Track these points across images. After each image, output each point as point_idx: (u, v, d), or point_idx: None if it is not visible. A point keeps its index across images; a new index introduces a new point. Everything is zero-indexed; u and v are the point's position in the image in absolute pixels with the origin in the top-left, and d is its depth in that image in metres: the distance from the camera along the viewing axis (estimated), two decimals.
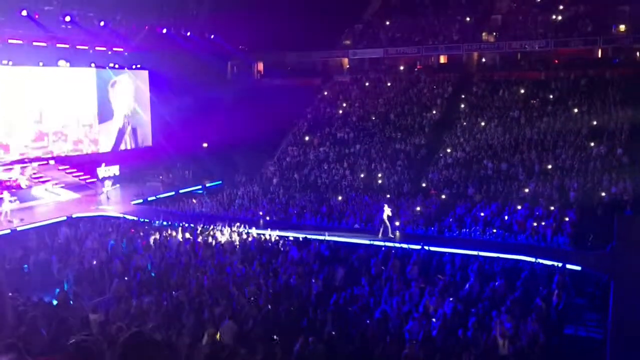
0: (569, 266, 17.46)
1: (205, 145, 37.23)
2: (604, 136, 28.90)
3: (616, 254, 18.65)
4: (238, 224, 22.67)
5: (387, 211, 21.44)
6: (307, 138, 35.86)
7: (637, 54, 35.67)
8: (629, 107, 30.22)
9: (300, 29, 38.56)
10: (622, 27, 35.73)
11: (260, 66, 45.21)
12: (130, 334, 2.85)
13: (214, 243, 20.56)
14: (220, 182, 32.54)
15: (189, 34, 37.20)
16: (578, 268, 17.59)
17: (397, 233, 21.45)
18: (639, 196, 24.28)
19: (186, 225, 22.99)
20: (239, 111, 36.92)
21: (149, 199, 29.12)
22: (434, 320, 13.54)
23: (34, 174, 29.21)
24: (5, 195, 23.73)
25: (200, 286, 15.86)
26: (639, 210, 23.15)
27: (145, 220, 24.32)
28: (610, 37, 35.69)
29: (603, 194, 24.86)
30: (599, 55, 36.80)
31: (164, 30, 35.44)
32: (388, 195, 27.53)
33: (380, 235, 21.07)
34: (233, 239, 21.09)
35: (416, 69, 40.58)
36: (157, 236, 21.38)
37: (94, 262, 18.85)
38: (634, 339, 12.54)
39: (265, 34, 38.36)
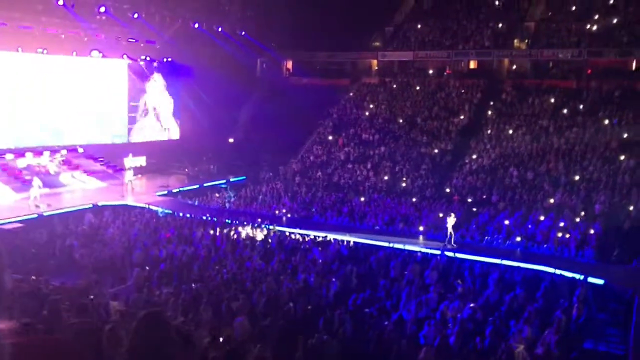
0: (592, 280, 17.20)
1: (231, 140, 37.55)
2: (634, 149, 28.34)
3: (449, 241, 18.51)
4: (260, 220, 22.81)
5: (452, 220, 20.99)
6: (331, 138, 35.89)
7: None
8: None
9: (330, 29, 38.61)
10: None
11: (290, 64, 45.36)
12: (149, 311, 2.89)
13: (235, 237, 20.73)
14: (244, 177, 32.77)
15: (220, 29, 37.53)
16: (601, 282, 17.31)
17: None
18: None
19: (209, 218, 23.22)
20: (266, 108, 37.18)
21: (174, 190, 29.45)
22: (450, 326, 13.45)
23: (63, 160, 29.79)
24: (35, 180, 24.22)
25: (219, 280, 16.02)
26: None
27: (169, 211, 24.62)
28: None
29: (631, 207, 24.39)
30: (633, 68, 36.06)
31: (196, 25, 35.82)
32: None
33: (446, 243, 20.72)
34: (254, 235, 21.24)
35: (445, 73, 40.25)
36: (180, 228, 21.64)
37: (116, 251, 19.17)
38: None
39: (295, 32, 38.52)
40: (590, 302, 15.65)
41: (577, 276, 17.19)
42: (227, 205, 27.57)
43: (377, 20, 43.07)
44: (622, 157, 27.77)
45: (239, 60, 39.26)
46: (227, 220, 22.78)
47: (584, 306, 15.03)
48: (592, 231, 21.98)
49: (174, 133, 37.26)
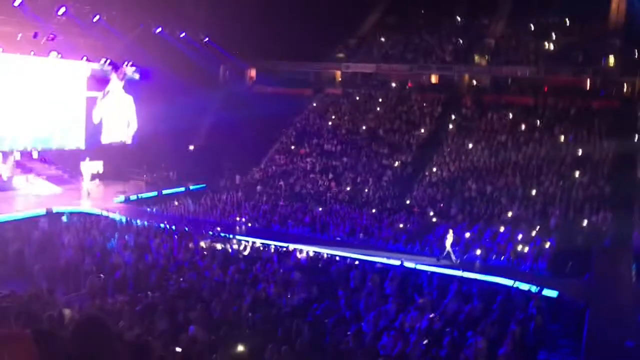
0: (546, 292, 17.57)
1: (191, 147, 37.09)
2: (587, 166, 29.22)
3: (593, 283, 18.81)
4: (219, 228, 22.55)
5: (451, 237, 21.03)
6: (294, 147, 35.85)
7: (624, 87, 36.17)
8: (614, 139, 30.63)
9: (295, 39, 38.68)
10: (612, 60, 36.25)
11: (253, 72, 45.22)
12: (87, 316, 2.79)
13: (193, 247, 20.40)
14: (204, 185, 32.37)
15: (183, 34, 37.15)
16: (555, 294, 17.69)
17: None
18: (618, 227, 24.54)
19: (167, 226, 22.83)
20: (229, 116, 36.86)
21: (131, 197, 28.87)
22: (409, 337, 13.50)
23: (16, 164, 28.87)
24: None
25: (176, 289, 15.72)
26: (617, 240, 23.39)
27: (126, 218, 24.10)
28: (600, 69, 36.18)
29: (584, 223, 25.09)
30: (588, 86, 37.29)
31: (158, 29, 35.36)
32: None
33: (441, 258, 20.80)
34: (214, 244, 20.96)
35: (407, 87, 40.81)
36: (137, 236, 21.19)
37: (71, 258, 18.61)
38: None
39: (260, 40, 38.42)
40: (544, 314, 15.98)
41: (533, 288, 17.53)
42: (186, 213, 27.16)
43: (342, 31, 43.42)
44: (577, 173, 28.56)
45: (202, 67, 38.89)
46: (186, 230, 22.43)
47: (539, 318, 15.33)
48: (547, 245, 22.49)
49: (130, 137, 36.33)
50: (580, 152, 30.24)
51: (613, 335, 14.53)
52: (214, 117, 38.84)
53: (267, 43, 38.81)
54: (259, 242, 21.93)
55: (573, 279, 19.40)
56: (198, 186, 32.12)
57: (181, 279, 16.70)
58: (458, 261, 20.47)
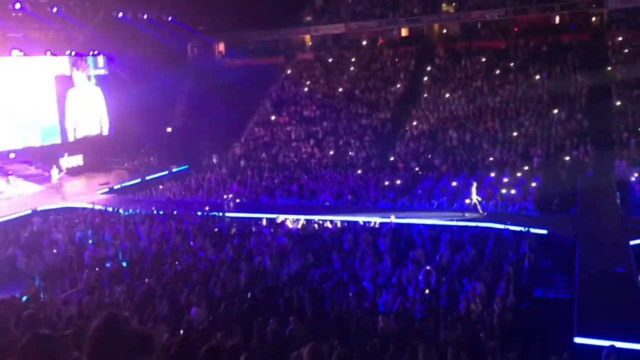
0: (535, 230, 17.90)
1: (169, 129, 36.71)
2: (564, 101, 29.43)
3: (580, 216, 19.16)
4: (207, 207, 22.54)
5: (475, 189, 20.42)
6: (273, 118, 35.63)
7: (593, 19, 36.20)
8: (587, 72, 30.82)
9: (259, 7, 38.04)
10: None
11: (222, 47, 44.53)
12: (106, 316, 2.80)
13: (184, 228, 20.41)
14: (187, 166, 32.18)
15: (145, 16, 36.37)
16: (544, 232, 18.03)
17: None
18: (599, 158, 24.94)
19: (155, 212, 22.77)
20: (202, 93, 36.48)
21: (115, 187, 28.66)
22: (407, 291, 13.73)
23: None
24: None
25: (173, 273, 15.79)
26: (599, 171, 23.79)
27: (113, 209, 23.99)
28: (567, 3, 36.08)
29: (566, 158, 25.41)
30: (557, 22, 37.26)
31: (120, 14, 34.59)
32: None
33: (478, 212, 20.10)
34: (206, 223, 20.98)
35: (378, 44, 40.49)
36: (126, 224, 21.14)
37: (63, 255, 18.55)
38: (599, 297, 12.98)
39: (224, 13, 37.74)
40: (536, 252, 16.31)
41: (522, 229, 17.85)
42: (172, 196, 27.06)
43: None
44: (555, 111, 28.76)
45: (169, 47, 38.24)
46: (174, 212, 22.39)
47: (531, 256, 15.65)
48: (532, 184, 22.79)
49: (106, 128, 35.89)
50: (556, 89, 30.38)
51: (603, 264, 14.89)
52: (187, 97, 38.42)
53: (232, 15, 38.14)
54: (248, 216, 21.98)
55: (561, 215, 19.74)
56: (181, 168, 31.93)
57: (176, 263, 16.74)
58: (485, 213, 19.95)
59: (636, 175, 22.33)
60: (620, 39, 33.18)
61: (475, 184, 20.68)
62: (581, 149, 25.77)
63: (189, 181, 29.30)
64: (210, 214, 22.18)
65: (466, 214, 20.04)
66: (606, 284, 13.70)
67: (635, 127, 26.08)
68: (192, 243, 18.74)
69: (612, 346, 10.01)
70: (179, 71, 38.29)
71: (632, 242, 16.53)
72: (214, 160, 32.22)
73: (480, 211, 19.96)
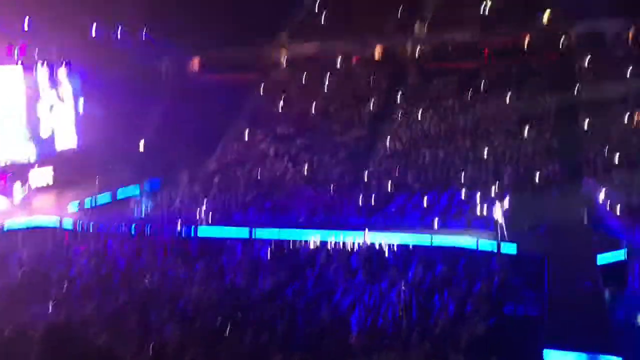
0: (506, 247, 18.14)
1: (142, 144, 36.33)
2: (533, 121, 30.02)
3: (549, 233, 19.49)
4: (179, 224, 22.34)
5: (499, 209, 20.17)
6: (247, 134, 35.54)
7: (561, 41, 37.14)
8: (556, 93, 31.54)
9: (236, 24, 38.15)
10: (546, 16, 37.13)
11: (196, 62, 44.39)
12: (52, 328, 2.77)
13: (156, 244, 20.16)
14: (159, 182, 31.84)
15: (119, 31, 36.19)
16: (514, 249, 18.27)
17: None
18: (567, 177, 25.47)
19: (126, 228, 22.47)
20: (177, 108, 36.26)
21: (86, 202, 28.19)
22: (379, 307, 13.77)
23: None
24: None
25: (143, 290, 15.57)
26: (566, 190, 24.26)
27: (83, 224, 23.59)
28: (536, 25, 37.04)
29: (536, 176, 25.85)
30: (526, 43, 38.12)
31: (94, 28, 34.37)
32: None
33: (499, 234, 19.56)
34: (179, 240, 20.77)
35: (352, 63, 40.88)
36: (96, 241, 20.80)
37: (33, 272, 18.15)
38: (567, 314, 13.17)
39: (200, 29, 37.74)
40: (507, 269, 16.53)
41: (493, 246, 18.07)
42: (143, 213, 26.75)
43: (283, 12, 43.05)
44: (524, 130, 29.27)
45: (143, 61, 38.00)
46: (145, 228, 22.11)
47: (502, 273, 15.86)
48: (503, 202, 23.10)
49: (76, 142, 35.19)
50: (525, 109, 30.97)
51: (572, 279, 15.14)
52: (161, 112, 38.14)
53: (207, 30, 38.15)
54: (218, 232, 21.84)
55: (531, 232, 20.00)
56: (153, 185, 31.57)
57: (146, 280, 16.53)
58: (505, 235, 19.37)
59: (603, 193, 22.81)
60: (587, 61, 34.09)
61: (498, 203, 20.34)
62: (550, 168, 26.27)
63: (161, 197, 28.99)
64: (182, 231, 21.95)
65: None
66: (575, 298, 13.92)
67: (602, 146, 26.71)
68: (163, 260, 18.51)
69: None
70: (153, 86, 38.06)
71: (599, 257, 16.87)
72: (185, 177, 31.82)
73: (503, 232, 19.39)
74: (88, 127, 34.51)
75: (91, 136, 34.26)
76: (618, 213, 20.72)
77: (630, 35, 34.85)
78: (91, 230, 22.78)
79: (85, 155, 33.92)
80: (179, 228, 22.30)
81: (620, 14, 34.67)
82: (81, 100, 34.89)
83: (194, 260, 18.42)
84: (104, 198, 29.23)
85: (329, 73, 39.41)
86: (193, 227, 22.80)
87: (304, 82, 39.44)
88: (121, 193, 30.14)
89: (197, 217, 24.13)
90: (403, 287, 14.71)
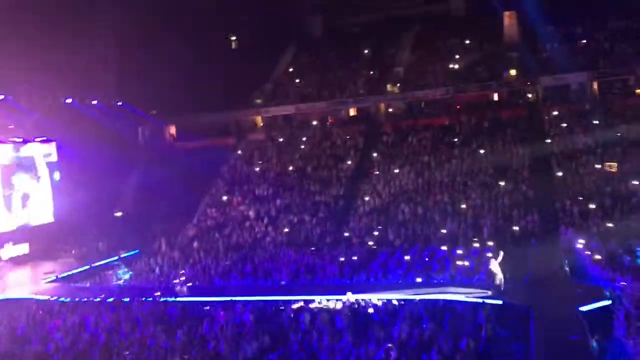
0: (490, 301, 18.06)
1: (119, 214, 35.99)
2: (508, 173, 30.58)
3: (532, 284, 19.49)
4: (158, 292, 21.87)
5: (496, 262, 19.90)
6: (225, 198, 35.50)
7: (529, 95, 38.45)
8: (527, 145, 32.36)
9: (210, 91, 38.82)
10: (513, 72, 38.57)
11: (173, 129, 44.75)
12: None
13: (136, 314, 19.64)
14: (137, 250, 31.35)
15: (95, 102, 36.51)
16: (499, 302, 18.19)
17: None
18: (545, 227, 25.75)
19: (104, 299, 21.91)
20: (154, 176, 36.20)
21: (61, 275, 27.56)
22: None
23: None
24: None
25: None
26: (543, 239, 24.49)
27: (58, 298, 22.96)
28: (504, 81, 38.42)
29: (515, 228, 26.10)
30: (495, 99, 39.39)
31: (69, 100, 34.61)
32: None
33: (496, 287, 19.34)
34: (158, 308, 20.27)
35: (328, 123, 41.65)
36: (72, 315, 20.19)
37: (3, 351, 17.45)
38: None
39: (175, 97, 38.30)
40: (492, 322, 16.40)
41: (478, 300, 17.99)
42: (122, 282, 26.21)
43: (256, 77, 44.06)
44: (500, 182, 29.76)
45: (119, 131, 38.24)
46: (124, 299, 21.59)
47: (488, 327, 15.71)
48: (485, 255, 23.16)
49: (53, 215, 34.72)
50: (499, 162, 31.60)
51: (558, 332, 15.06)
52: (138, 180, 38.02)
53: (183, 98, 38.74)
54: (201, 300, 21.41)
55: (514, 284, 19.99)
56: (131, 252, 31.05)
57: (126, 353, 16.00)
58: (502, 288, 19.29)
59: (581, 242, 23.05)
60: (555, 113, 35.21)
61: (492, 258, 20.07)
62: (528, 219, 26.57)
63: (139, 266, 28.48)
64: (162, 299, 21.48)
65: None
66: (562, 351, 13.81)
67: (576, 196, 27.20)
68: (142, 331, 17.98)
69: None
70: (130, 155, 38.16)
71: (582, 308, 16.86)
72: (163, 245, 31.36)
73: (499, 284, 19.24)
74: (66, 200, 34.16)
75: (67, 208, 33.88)
76: (597, 262, 20.88)
77: (595, 86, 36.33)
78: (68, 303, 22.12)
79: (62, 227, 33.46)
80: (158, 296, 21.78)
81: (583, 68, 36.27)
82: (57, 173, 34.65)
83: (174, 328, 17.92)
84: (82, 269, 28.60)
85: (305, 134, 40.07)
86: (173, 294, 22.33)
87: (281, 144, 39.93)
88: (99, 263, 29.52)
89: (177, 283, 23.68)
90: (389, 346, 14.47)
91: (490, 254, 20.60)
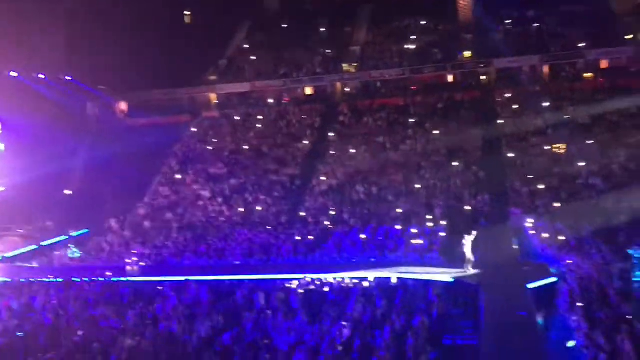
0: (442, 278, 18.44)
1: (68, 192, 34.93)
2: (460, 154, 31.09)
3: (481, 262, 19.96)
4: (109, 272, 21.45)
5: (469, 242, 19.86)
6: (178, 176, 34.89)
7: (481, 77, 39.02)
8: (480, 127, 32.91)
9: (163, 67, 37.85)
10: (467, 54, 39.05)
11: (124, 106, 43.56)
12: None
13: (86, 295, 19.21)
14: (87, 230, 30.56)
15: (42, 76, 35.13)
16: (451, 279, 18.59)
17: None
18: (496, 207, 26.37)
19: (52, 280, 21.33)
20: (104, 154, 35.17)
21: (8, 255, 26.66)
22: (320, 348, 13.57)
23: None
24: None
25: (72, 345, 14.70)
26: (493, 220, 25.07)
27: (5, 279, 22.23)
28: (458, 62, 38.86)
29: (466, 207, 26.62)
30: (450, 80, 39.82)
31: (14, 74, 33.21)
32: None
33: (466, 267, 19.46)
34: (107, 289, 19.86)
35: (284, 102, 41.30)
36: (19, 295, 19.59)
37: None
38: (503, 340, 13.43)
39: (126, 73, 37.18)
40: (444, 300, 16.76)
41: (430, 278, 18.34)
42: (71, 262, 25.55)
43: (211, 54, 43.19)
44: (453, 163, 30.23)
45: (67, 107, 36.94)
46: (72, 280, 21.07)
47: (440, 305, 16.05)
48: (438, 234, 23.61)
49: None
50: (452, 143, 32.06)
51: (506, 308, 15.52)
52: (88, 157, 36.90)
53: (134, 74, 37.63)
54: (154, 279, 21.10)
55: (464, 262, 20.40)
56: (81, 232, 30.26)
57: (76, 333, 15.63)
58: (471, 268, 19.38)
59: (530, 221, 23.71)
60: (508, 95, 35.89)
61: (467, 237, 20.00)
62: (479, 199, 27.14)
63: (90, 245, 27.81)
64: (113, 279, 21.07)
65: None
66: (510, 327, 14.23)
67: (525, 177, 27.91)
68: (92, 311, 17.62)
69: None
70: (78, 131, 36.97)
71: (529, 286, 17.41)
72: (113, 224, 30.66)
73: (470, 266, 19.36)
74: (11, 177, 32.89)
75: (14, 184, 32.65)
76: (544, 241, 21.55)
77: (545, 70, 37.20)
78: (14, 283, 21.44)
79: (8, 205, 32.22)
80: (109, 276, 21.36)
81: (535, 51, 37.02)
82: (2, 146, 33.32)
83: (126, 309, 17.62)
84: (29, 248, 27.72)
85: (260, 112, 39.66)
86: (125, 274, 21.94)
87: (236, 122, 39.42)
88: (47, 242, 28.66)
89: (129, 263, 23.24)
90: (343, 324, 14.61)
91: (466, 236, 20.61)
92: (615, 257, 18.52)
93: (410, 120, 35.34)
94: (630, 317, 13.90)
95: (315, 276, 19.48)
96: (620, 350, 12.11)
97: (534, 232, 22.76)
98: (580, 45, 36.67)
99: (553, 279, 17.96)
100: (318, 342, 13.89)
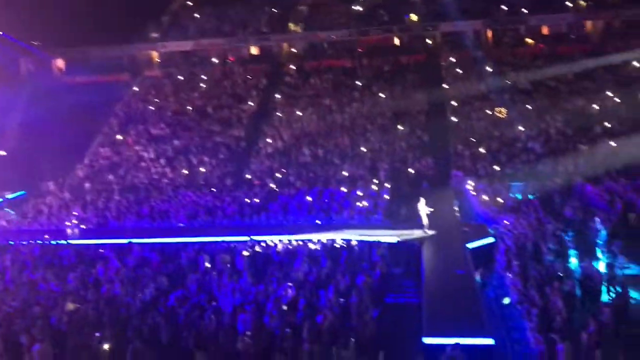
0: (385, 239, 18.83)
1: (2, 152, 33.42)
2: (406, 118, 31.44)
3: (424, 224, 20.45)
4: (47, 235, 20.84)
5: (424, 206, 19.57)
6: (119, 137, 33.89)
7: (428, 40, 39.24)
8: (424, 91, 33.27)
9: (102, 23, 36.28)
10: (414, 17, 39.14)
11: (61, 63, 41.66)
12: None
13: (24, 258, 18.64)
14: (23, 192, 29.44)
15: None
16: (394, 240, 19.01)
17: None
18: (438, 169, 26.98)
19: None
20: (40, 113, 33.68)
21: None
22: (266, 308, 13.70)
23: None
24: None
25: (9, 309, 14.29)
26: (436, 183, 25.67)
27: None
28: (404, 25, 38.93)
29: (410, 170, 27.08)
30: (396, 43, 39.92)
31: None
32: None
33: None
34: (48, 251, 19.33)
35: (228, 61, 40.47)
36: None
37: None
38: (443, 299, 13.92)
39: (63, 28, 35.43)
40: (387, 260, 17.17)
41: (373, 239, 18.70)
42: (7, 225, 24.66)
43: (152, 9, 41.62)
44: (398, 126, 30.56)
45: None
46: (10, 242, 20.38)
47: (383, 265, 16.43)
48: (382, 196, 23.98)
49: None
50: (398, 106, 32.33)
51: (446, 268, 16.05)
52: (22, 116, 35.28)
53: (71, 30, 35.90)
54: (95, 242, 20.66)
55: (408, 223, 20.87)
56: (17, 194, 29.13)
57: (12, 298, 15.20)
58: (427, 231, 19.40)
59: (470, 184, 24.39)
60: (452, 60, 36.32)
61: (422, 200, 19.81)
62: (422, 162, 27.64)
63: (27, 208, 26.84)
64: (52, 242, 20.49)
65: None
66: (449, 286, 14.75)
67: (468, 140, 28.56)
68: (31, 275, 17.14)
69: (457, 344, 10.78)
70: (11, 89, 35.17)
71: (468, 245, 18.03)
72: (51, 186, 29.62)
73: (425, 229, 19.43)
74: None
75: None
76: (483, 202, 22.26)
77: (489, 35, 37.78)
78: None
79: None
80: (47, 239, 20.74)
81: (479, 16, 37.45)
82: None
83: (66, 272, 17.21)
84: None
85: (204, 72, 38.78)
86: (64, 237, 21.37)
87: (179, 82, 38.44)
88: None
89: (68, 226, 22.62)
90: (290, 285, 14.78)
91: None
92: (549, 218, 19.36)
93: (357, 83, 35.35)
94: (562, 274, 14.65)
95: (260, 237, 19.54)
96: (551, 306, 12.76)
97: (474, 194, 23.43)
98: (522, 11, 37.32)
99: (491, 239, 18.64)
100: (263, 302, 14.00)
